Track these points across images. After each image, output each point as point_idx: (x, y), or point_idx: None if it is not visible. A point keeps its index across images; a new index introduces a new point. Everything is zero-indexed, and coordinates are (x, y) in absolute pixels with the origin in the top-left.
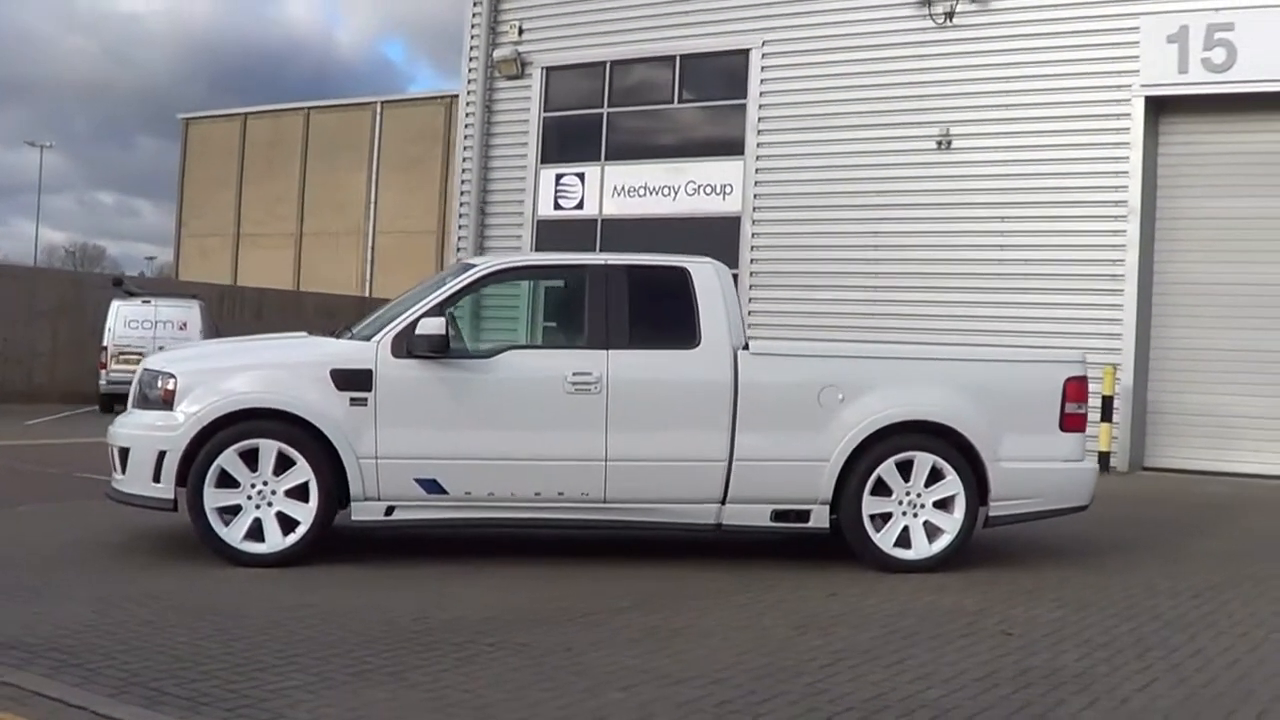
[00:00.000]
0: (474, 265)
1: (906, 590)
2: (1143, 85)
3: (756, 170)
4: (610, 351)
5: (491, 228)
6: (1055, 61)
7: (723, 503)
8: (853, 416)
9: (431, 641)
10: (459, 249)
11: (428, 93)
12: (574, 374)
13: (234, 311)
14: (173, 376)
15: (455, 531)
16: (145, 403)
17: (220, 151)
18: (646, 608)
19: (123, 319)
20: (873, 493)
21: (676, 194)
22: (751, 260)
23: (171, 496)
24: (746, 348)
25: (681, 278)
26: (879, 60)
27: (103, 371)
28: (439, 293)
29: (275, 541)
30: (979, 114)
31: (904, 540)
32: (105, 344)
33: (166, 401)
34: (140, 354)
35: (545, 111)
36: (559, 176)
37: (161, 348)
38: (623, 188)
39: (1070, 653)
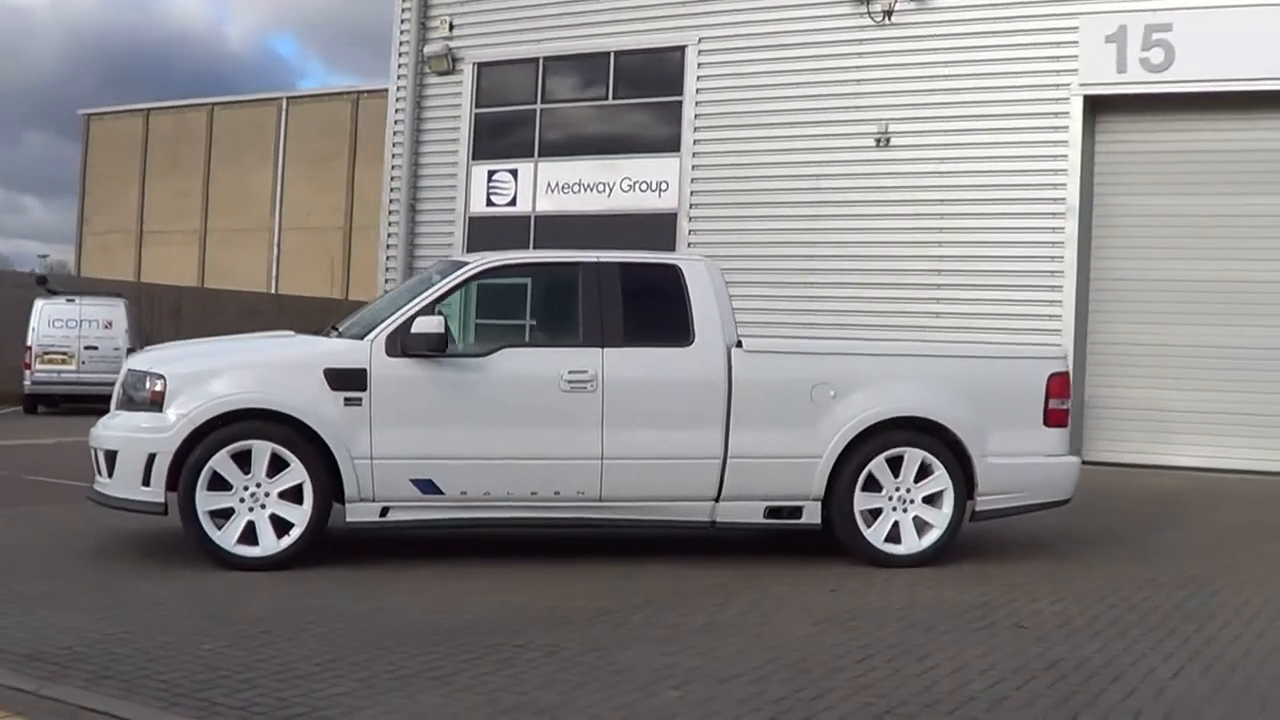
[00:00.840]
0: (465, 263)
1: (902, 585)
2: (1081, 85)
3: (693, 167)
4: (605, 350)
5: (422, 224)
6: (994, 60)
7: (717, 500)
8: (844, 413)
9: (461, 644)
10: (388, 246)
11: (334, 88)
12: (570, 372)
13: (152, 311)
14: (161, 377)
15: (439, 533)
16: (131, 404)
17: (123, 148)
18: (657, 606)
19: (46, 318)
20: (863, 489)
21: (612, 191)
22: None
23: (162, 500)
24: (740, 345)
25: (674, 275)
26: (817, 58)
27: (27, 371)
28: (430, 291)
29: (269, 545)
30: (918, 111)
31: (894, 535)
32: (29, 344)
33: (155, 403)
34: (65, 354)
35: (477, 107)
36: (491, 173)
37: (133, 349)
38: (557, 184)
39: (1089, 644)
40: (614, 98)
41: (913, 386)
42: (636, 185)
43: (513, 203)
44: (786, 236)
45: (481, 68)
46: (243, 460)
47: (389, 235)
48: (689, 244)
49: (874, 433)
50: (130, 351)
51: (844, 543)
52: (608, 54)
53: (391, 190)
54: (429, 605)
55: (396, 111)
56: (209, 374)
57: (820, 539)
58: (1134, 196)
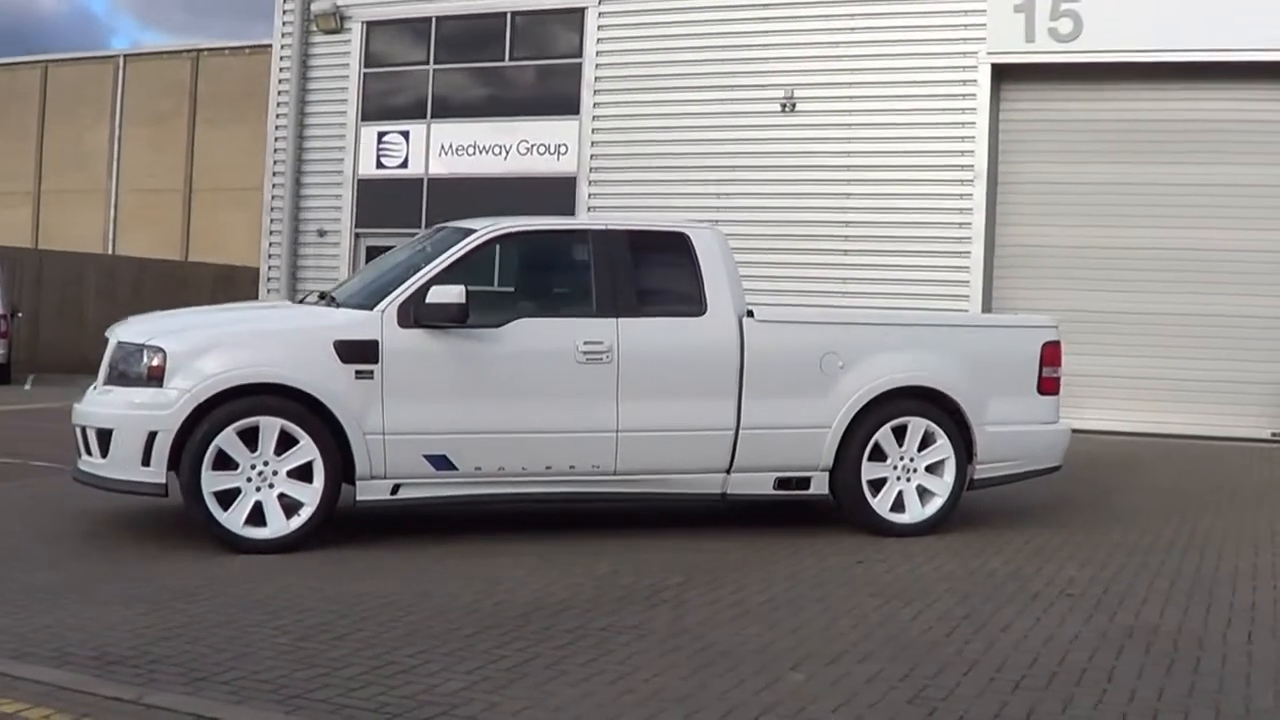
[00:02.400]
0: (471, 230)
1: (922, 555)
2: (990, 53)
3: (593, 130)
4: (620, 320)
5: (308, 187)
6: (903, 27)
7: (728, 472)
8: (853, 383)
9: (542, 629)
10: (273, 209)
11: (174, 46)
12: (585, 343)
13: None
14: (160, 350)
15: (414, 510)
16: (124, 380)
17: None
18: (703, 583)
19: None
20: (869, 458)
21: (508, 153)
22: None
23: (163, 481)
24: (751, 315)
25: (682, 243)
26: (721, 21)
27: None
28: (442, 258)
29: (278, 526)
30: (825, 77)
31: (898, 505)
32: None
33: (155, 377)
34: None
35: (366, 67)
36: (382, 135)
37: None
38: (450, 146)
39: (1147, 611)
40: (511, 59)
41: (916, 356)
42: (534, 148)
43: (404, 165)
44: (690, 202)
45: (371, 26)
46: (248, 438)
47: (273, 199)
48: (589, 208)
49: (879, 402)
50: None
51: (849, 512)
52: (504, 14)
53: (276, 152)
54: (476, 588)
55: (281, 71)
56: (212, 346)
57: (797, 510)
58: (1038, 164)
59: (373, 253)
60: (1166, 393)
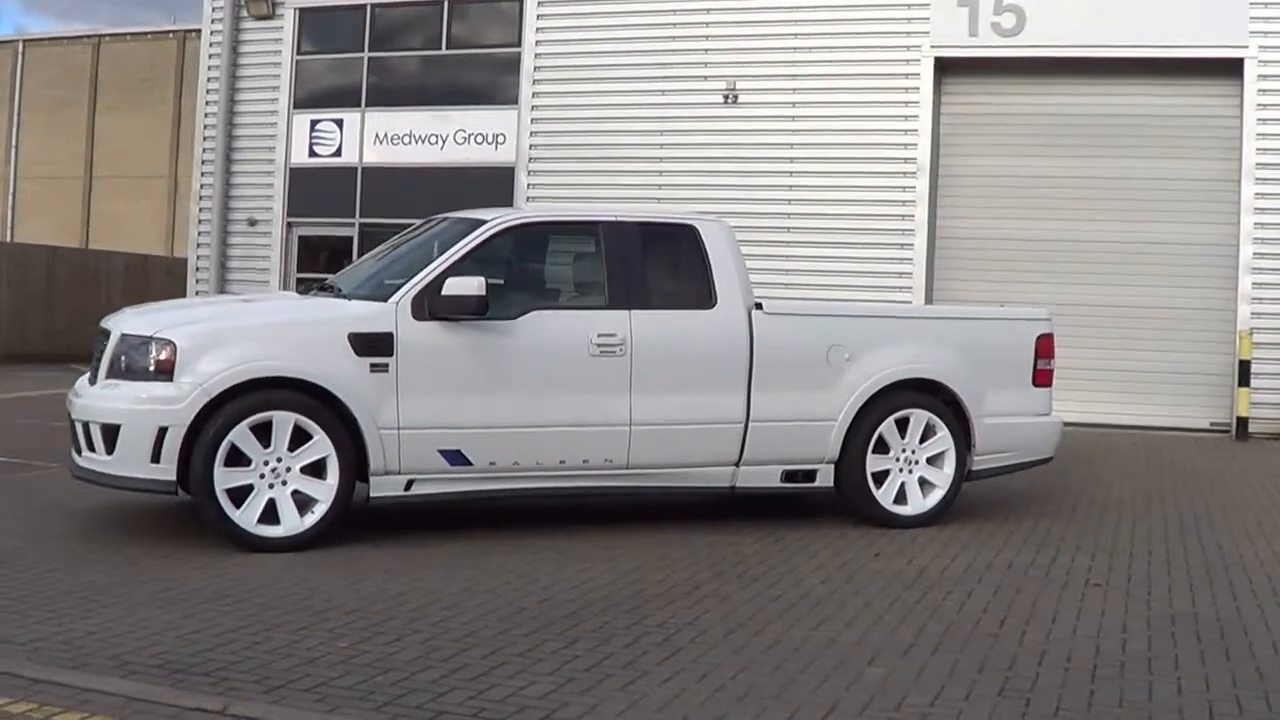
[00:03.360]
0: (484, 220)
1: (930, 546)
2: (933, 47)
3: (532, 120)
4: (632, 312)
5: (238, 175)
6: (846, 20)
7: (738, 465)
8: (858, 375)
9: (598, 627)
10: (202, 198)
11: (74, 31)
12: (599, 335)
13: None
14: (170, 343)
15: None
16: (129, 373)
17: None
18: (735, 577)
19: None
20: (873, 451)
21: (445, 143)
22: None
23: (173, 478)
24: (760, 307)
25: (691, 235)
26: (663, 12)
27: None
28: (455, 249)
29: (292, 524)
30: (767, 69)
31: (900, 496)
32: None
33: (164, 371)
34: None
35: (299, 54)
36: (314, 122)
37: None
38: (385, 135)
39: (1179, 599)
40: (447, 47)
41: (918, 348)
42: (471, 138)
43: (338, 153)
44: (630, 193)
45: (304, 13)
46: (260, 433)
47: (203, 187)
48: (528, 198)
49: (883, 394)
50: None
51: (854, 504)
52: (441, 2)
53: (205, 140)
54: (514, 585)
55: (211, 57)
56: (223, 338)
57: (762, 501)
58: (979, 157)
59: (306, 243)
60: (1106, 384)
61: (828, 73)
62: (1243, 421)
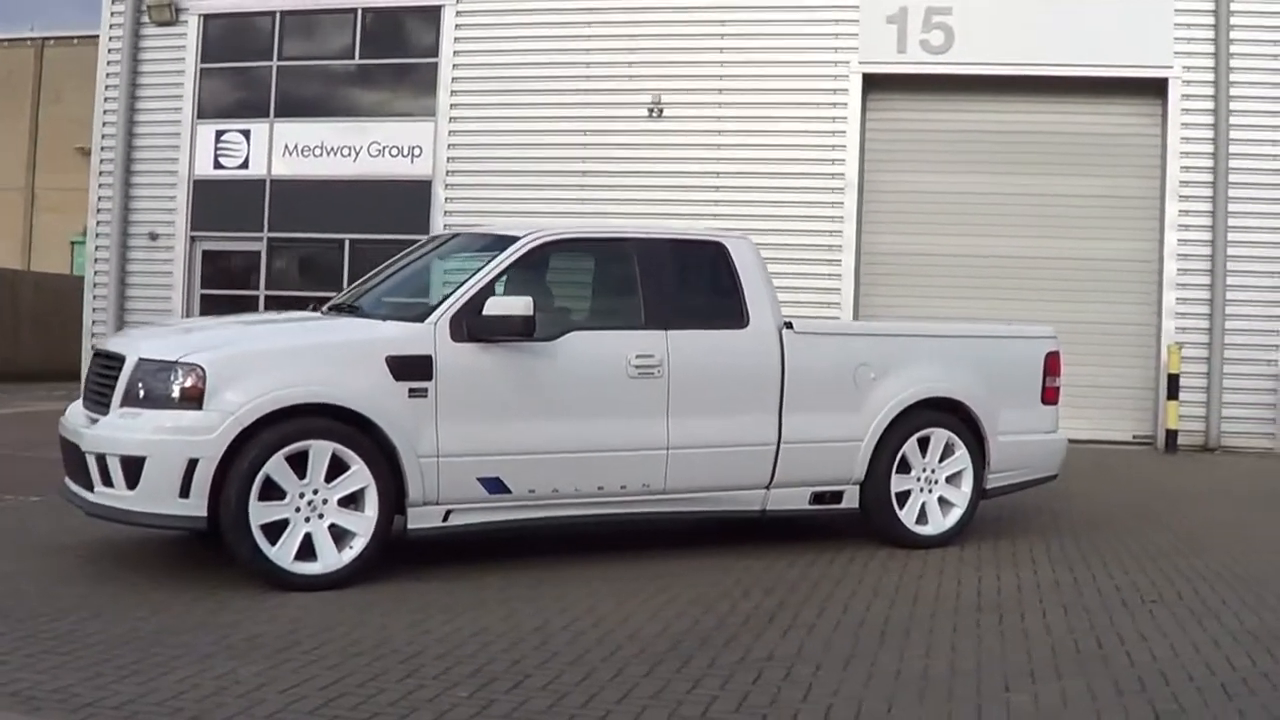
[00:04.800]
0: (516, 236)
1: (965, 567)
2: (861, 63)
3: (450, 133)
4: (669, 333)
5: (138, 187)
6: (774, 35)
7: (768, 487)
8: (883, 395)
9: (710, 661)
10: (99, 210)
11: None
12: (637, 356)
13: None
14: (197, 368)
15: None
16: (148, 401)
17: None
18: (799, 604)
19: None
20: (896, 471)
21: (358, 155)
22: (445, 226)
23: (204, 514)
24: (790, 326)
25: (720, 253)
26: (587, 24)
27: None
28: (489, 268)
29: (330, 560)
30: (694, 83)
31: (921, 516)
32: None
33: (192, 398)
34: None
35: (204, 62)
36: (220, 133)
37: None
38: (295, 147)
39: (1246, 613)
40: (361, 57)
41: (938, 367)
42: (386, 150)
43: (244, 165)
44: (552, 208)
45: (208, 19)
46: (294, 464)
47: (100, 199)
48: (445, 212)
49: (906, 414)
50: None
51: (877, 525)
52: (354, 10)
53: (103, 150)
54: (590, 621)
55: (109, 65)
56: (256, 364)
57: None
58: (905, 174)
59: (210, 257)
60: None
61: (755, 87)
62: (1171, 434)
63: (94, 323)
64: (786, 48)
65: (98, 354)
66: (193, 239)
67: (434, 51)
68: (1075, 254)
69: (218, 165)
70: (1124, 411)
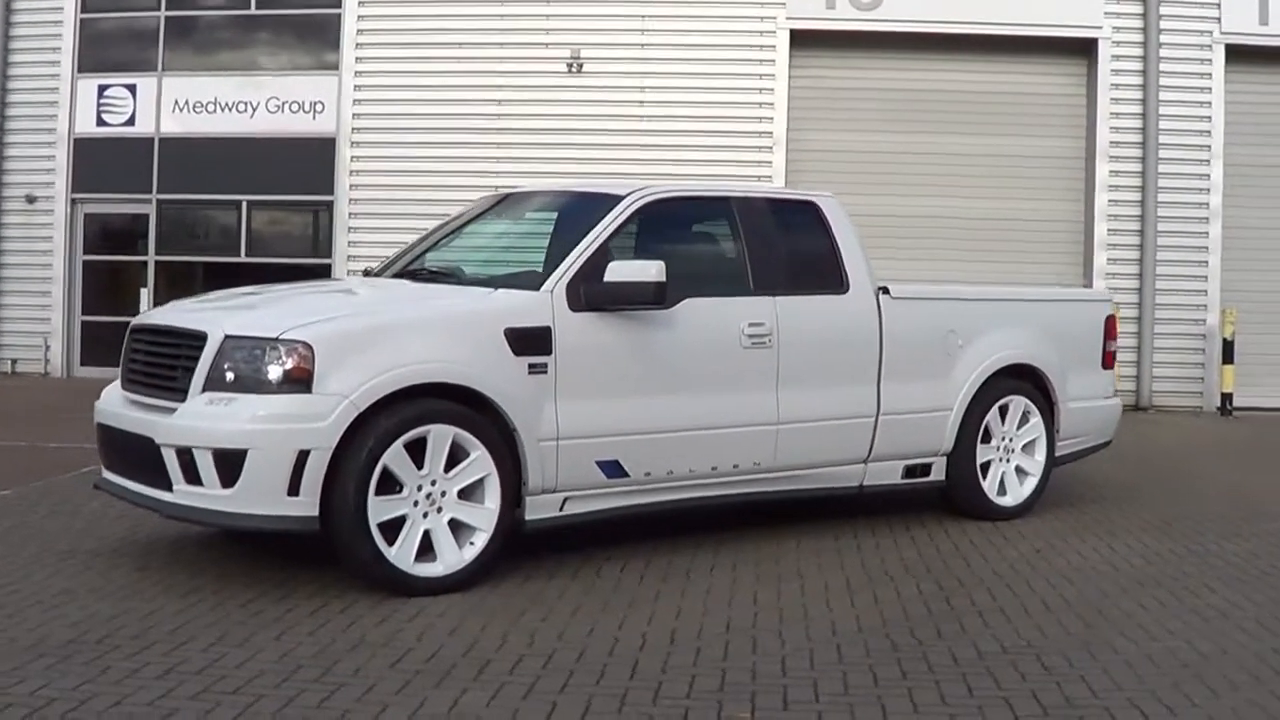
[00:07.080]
0: (621, 196)
1: (1060, 540)
2: (789, 19)
3: (355, 88)
4: (777, 298)
5: (12, 145)
6: None
7: (866, 461)
8: (969, 363)
9: (947, 654)
10: None
11: None
12: (749, 325)
13: None
14: (303, 345)
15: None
16: (240, 385)
17: None
18: (965, 585)
19: None
20: (980, 440)
21: (255, 111)
22: (351, 187)
23: (315, 513)
24: (886, 291)
25: (815, 213)
26: None
27: None
28: (598, 229)
29: (451, 559)
30: (615, 37)
31: (1000, 487)
32: None
33: (299, 380)
34: None
35: (84, 12)
36: (103, 88)
37: None
38: (186, 103)
39: None
40: (257, 7)
41: (1016, 332)
42: (286, 106)
43: (130, 122)
44: (468, 165)
45: None
46: (413, 452)
47: None
48: (351, 171)
49: (990, 382)
50: None
51: (960, 497)
52: None
53: None
54: (764, 615)
55: None
56: (370, 339)
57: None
58: (832, 132)
59: (94, 220)
60: None
61: (679, 43)
62: None
63: None
64: (712, 2)
65: (144, 330)
66: (74, 201)
67: (337, 2)
68: (1005, 215)
69: (101, 122)
70: None
